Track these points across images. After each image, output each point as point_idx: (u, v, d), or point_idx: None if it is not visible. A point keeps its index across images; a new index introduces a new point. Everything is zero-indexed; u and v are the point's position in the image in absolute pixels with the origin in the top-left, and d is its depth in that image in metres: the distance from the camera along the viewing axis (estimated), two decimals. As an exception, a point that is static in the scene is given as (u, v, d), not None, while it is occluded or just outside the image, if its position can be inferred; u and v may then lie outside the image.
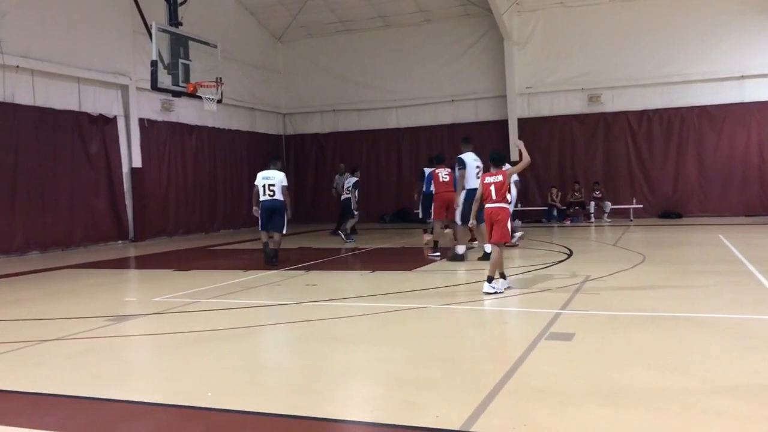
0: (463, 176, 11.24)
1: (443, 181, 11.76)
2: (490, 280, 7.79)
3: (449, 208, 11.61)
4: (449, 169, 11.84)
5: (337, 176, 18.60)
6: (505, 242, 8.09)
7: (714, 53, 19.36)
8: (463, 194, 11.19)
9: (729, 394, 4.10)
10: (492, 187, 8.00)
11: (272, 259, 11.25)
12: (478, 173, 11.01)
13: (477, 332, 6.10)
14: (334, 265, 11.29)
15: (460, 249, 11.14)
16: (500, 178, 8.04)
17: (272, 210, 11.29)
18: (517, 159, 18.54)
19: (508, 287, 7.97)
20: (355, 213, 15.83)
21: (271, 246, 11.43)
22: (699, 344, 5.35)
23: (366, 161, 23.20)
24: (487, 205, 8.04)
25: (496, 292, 7.69)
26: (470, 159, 11.42)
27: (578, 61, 20.63)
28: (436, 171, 11.95)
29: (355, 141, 23.57)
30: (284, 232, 11.48)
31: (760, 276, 8.46)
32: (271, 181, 11.30)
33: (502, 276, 8.00)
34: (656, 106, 20.14)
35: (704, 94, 19.67)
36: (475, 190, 9.43)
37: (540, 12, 20.96)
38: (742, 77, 19.22)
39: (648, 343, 5.45)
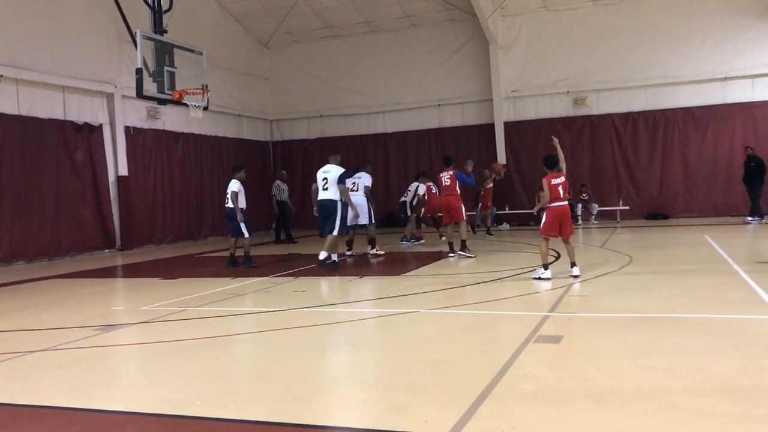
0: (346, 190, 11.39)
1: (445, 185, 12.25)
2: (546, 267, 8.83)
3: (450, 211, 12.24)
4: (451, 172, 12.19)
5: (278, 182, 18.08)
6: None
7: (697, 55, 19.55)
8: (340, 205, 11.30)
9: (717, 394, 4.13)
10: (560, 188, 8.83)
11: (330, 267, 11.10)
12: (324, 185, 11.37)
13: (466, 336, 6.11)
14: (322, 271, 11.26)
15: (323, 255, 11.21)
16: (563, 179, 8.96)
17: (324, 210, 11.25)
18: (499, 164, 18.73)
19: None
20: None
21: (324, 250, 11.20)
22: (686, 345, 5.38)
23: (353, 166, 23.12)
24: (556, 204, 8.87)
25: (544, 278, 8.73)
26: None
27: (563, 64, 20.76)
28: (440, 175, 12.37)
29: (342, 146, 23.44)
30: (335, 233, 11.15)
31: (745, 276, 8.53)
32: (326, 175, 11.24)
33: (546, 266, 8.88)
34: (641, 108, 20.30)
35: (688, 95, 19.85)
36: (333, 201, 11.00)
37: (524, 16, 21.08)
38: (726, 79, 19.42)
39: (635, 344, 5.48)
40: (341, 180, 11.14)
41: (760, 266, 9.39)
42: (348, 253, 13.42)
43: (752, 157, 17.20)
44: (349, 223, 12.04)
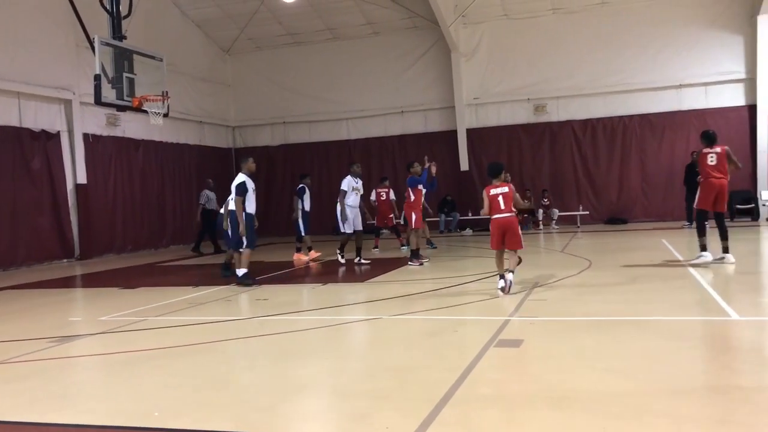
0: (240, 202, 10.30)
1: (383, 200, 13.11)
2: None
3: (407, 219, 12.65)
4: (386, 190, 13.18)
5: (206, 191, 17.35)
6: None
7: (654, 64, 20.03)
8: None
9: (673, 395, 4.22)
10: (500, 198, 8.26)
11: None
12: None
13: (428, 342, 6.14)
14: (285, 279, 11.21)
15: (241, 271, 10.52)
16: (506, 189, 8.33)
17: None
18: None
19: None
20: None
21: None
22: (643, 347, 5.49)
23: (317, 173, 23.17)
24: (497, 216, 8.29)
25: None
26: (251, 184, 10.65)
27: (524, 71, 21.06)
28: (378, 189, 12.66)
29: (305, 153, 23.52)
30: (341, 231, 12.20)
31: (700, 278, 8.75)
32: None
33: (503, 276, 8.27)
34: (600, 115, 20.71)
35: (645, 102, 20.33)
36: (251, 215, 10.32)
37: (486, 24, 21.34)
38: (680, 86, 19.92)
39: (594, 347, 5.57)
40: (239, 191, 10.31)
41: (713, 269, 9.63)
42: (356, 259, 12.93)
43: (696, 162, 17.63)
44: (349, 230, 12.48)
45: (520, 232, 8.39)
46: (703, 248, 10.02)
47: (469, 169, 21.45)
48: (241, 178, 10.50)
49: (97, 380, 5.58)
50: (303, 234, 14.07)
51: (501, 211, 8.24)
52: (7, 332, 7.59)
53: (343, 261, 12.89)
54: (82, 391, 5.19)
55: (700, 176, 10.25)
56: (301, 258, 14.16)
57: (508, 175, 15.32)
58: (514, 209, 8.33)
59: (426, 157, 12.68)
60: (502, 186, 8.34)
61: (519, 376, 4.83)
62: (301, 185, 14.32)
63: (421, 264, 11.95)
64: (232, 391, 4.89)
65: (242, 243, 10.31)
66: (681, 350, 5.32)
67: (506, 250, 8.38)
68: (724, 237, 10.13)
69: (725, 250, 10.07)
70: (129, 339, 6.92)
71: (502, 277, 8.20)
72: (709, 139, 10.34)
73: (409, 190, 12.43)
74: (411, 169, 12.58)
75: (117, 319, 8.04)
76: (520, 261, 8.80)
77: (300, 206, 13.99)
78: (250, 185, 10.52)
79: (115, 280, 12.65)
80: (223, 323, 7.63)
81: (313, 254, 14.11)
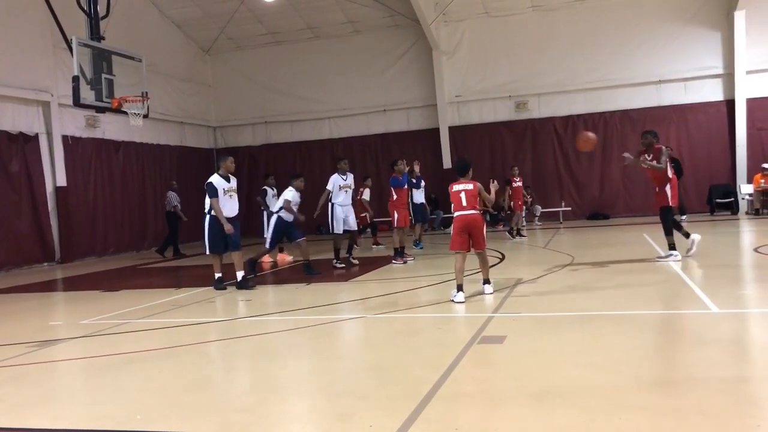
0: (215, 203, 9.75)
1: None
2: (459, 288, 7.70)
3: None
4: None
5: (170, 193, 17.23)
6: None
7: (633, 60, 20.20)
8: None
9: (654, 388, 4.26)
10: (462, 194, 7.87)
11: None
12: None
13: (411, 340, 6.15)
14: (269, 279, 11.17)
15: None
16: (470, 186, 7.94)
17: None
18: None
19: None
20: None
21: None
22: (624, 341, 5.53)
23: (300, 172, 23.10)
24: (459, 213, 7.87)
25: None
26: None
27: (505, 69, 21.15)
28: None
29: (287, 153, 23.47)
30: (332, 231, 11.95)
31: (680, 272, 8.84)
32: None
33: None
34: (581, 112, 20.86)
35: (625, 98, 20.51)
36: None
37: (466, 22, 21.40)
38: (660, 82, 20.11)
39: (576, 342, 5.61)
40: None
41: (693, 263, 9.73)
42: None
43: (672, 158, 17.86)
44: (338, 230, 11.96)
45: (485, 231, 7.99)
46: (673, 246, 10.16)
47: (452, 167, 21.47)
48: (211, 178, 9.94)
49: (79, 384, 5.53)
50: (265, 235, 13.71)
51: (463, 208, 7.84)
52: (-13, 337, 7.49)
53: (340, 266, 11.95)
54: (64, 395, 5.14)
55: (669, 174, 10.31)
56: (285, 258, 14.10)
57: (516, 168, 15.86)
58: (478, 207, 7.95)
59: (416, 162, 13.17)
60: (466, 183, 7.98)
61: (502, 373, 4.84)
62: (263, 186, 14.11)
63: (405, 262, 11.94)
64: (214, 393, 4.87)
65: (238, 245, 9.90)
66: (662, 343, 5.37)
67: (472, 252, 7.95)
68: (670, 233, 10.36)
69: (672, 246, 10.25)
70: (111, 342, 6.86)
71: (460, 288, 7.66)
72: (656, 136, 10.86)
73: (392, 189, 12.46)
74: (395, 168, 12.50)
75: (99, 323, 7.96)
76: (503, 257, 8.74)
77: (266, 207, 13.74)
78: (223, 185, 9.83)
79: (97, 283, 12.54)
80: (206, 325, 7.59)
81: (267, 259, 13.65)
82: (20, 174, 16.01)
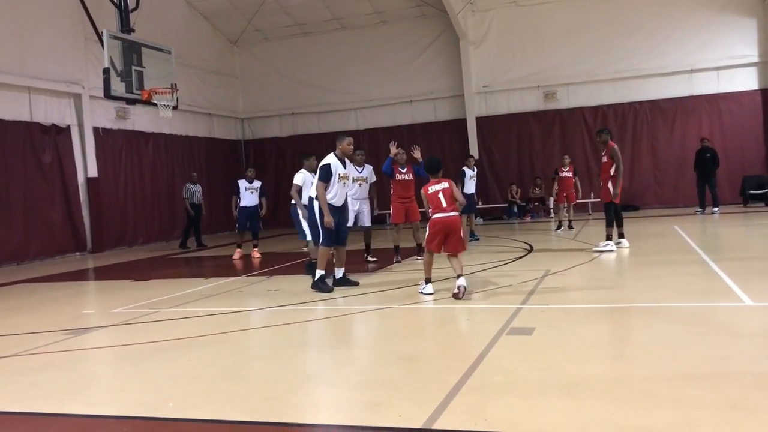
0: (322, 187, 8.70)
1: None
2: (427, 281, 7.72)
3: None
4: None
5: (189, 185, 16.93)
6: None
7: (665, 48, 19.84)
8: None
9: (684, 380, 4.20)
10: (440, 195, 7.53)
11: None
12: None
13: (439, 330, 6.15)
14: (295, 270, 11.24)
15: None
16: (446, 185, 7.61)
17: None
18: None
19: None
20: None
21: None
22: (654, 333, 5.47)
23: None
24: (438, 215, 7.53)
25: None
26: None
27: (533, 58, 20.93)
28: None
29: (314, 144, 23.41)
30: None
31: (713, 265, 8.69)
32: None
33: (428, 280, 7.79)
34: (610, 102, 20.57)
35: (656, 88, 20.16)
36: None
37: (494, 11, 21.21)
38: (692, 71, 19.74)
39: (606, 334, 5.57)
40: None
41: (726, 255, 9.57)
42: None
43: (708, 148, 17.61)
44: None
45: (462, 232, 7.63)
46: (610, 237, 10.76)
47: (479, 158, 21.35)
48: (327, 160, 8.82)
49: (111, 371, 5.62)
50: (237, 230, 13.84)
51: (443, 210, 7.47)
52: (22, 325, 7.66)
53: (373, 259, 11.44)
54: (96, 383, 5.23)
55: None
56: (254, 254, 13.67)
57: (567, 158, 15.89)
58: (458, 208, 7.60)
59: (393, 143, 11.26)
60: (441, 182, 7.61)
61: (531, 364, 4.82)
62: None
63: (398, 262, 11.05)
64: (244, 381, 4.92)
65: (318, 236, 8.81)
66: (693, 336, 5.30)
67: (447, 256, 7.65)
68: (621, 224, 11.12)
69: (621, 235, 10.99)
70: (142, 330, 6.96)
71: (428, 281, 7.70)
72: (611, 134, 11.28)
73: (390, 181, 11.31)
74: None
75: (130, 311, 8.09)
76: (531, 248, 8.51)
77: (237, 201, 13.55)
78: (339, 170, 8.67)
79: (128, 272, 12.73)
80: (235, 314, 7.66)
81: (239, 253, 13.49)
82: (53, 165, 16.29)
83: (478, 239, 13.91)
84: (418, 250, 11.10)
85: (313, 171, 10.04)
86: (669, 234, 13.02)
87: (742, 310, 6.18)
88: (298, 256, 13.35)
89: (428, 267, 7.83)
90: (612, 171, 10.64)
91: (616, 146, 10.84)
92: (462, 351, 5.22)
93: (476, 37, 21.43)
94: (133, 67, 12.74)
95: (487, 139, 21.56)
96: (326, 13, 22.07)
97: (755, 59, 19.28)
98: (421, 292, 7.76)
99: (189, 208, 16.73)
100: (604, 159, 10.88)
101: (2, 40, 14.94)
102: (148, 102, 13.10)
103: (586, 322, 6.04)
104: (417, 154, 10.91)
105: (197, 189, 16.96)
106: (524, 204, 20.75)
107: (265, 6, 21.34)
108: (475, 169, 14.38)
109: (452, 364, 4.84)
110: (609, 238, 10.68)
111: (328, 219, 8.46)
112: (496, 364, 4.81)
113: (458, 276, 7.46)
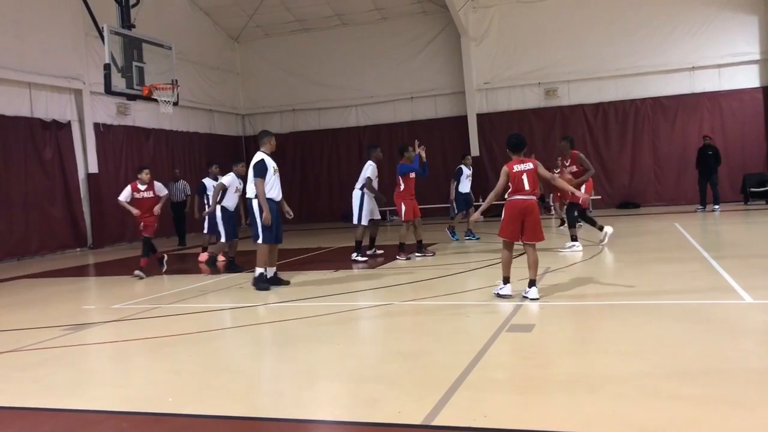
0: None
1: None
2: (531, 284, 6.96)
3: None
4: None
5: (177, 182, 16.62)
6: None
7: (666, 45, 19.81)
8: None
9: (684, 377, 4.20)
10: (524, 176, 6.94)
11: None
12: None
13: (439, 327, 6.14)
14: (297, 266, 11.24)
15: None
16: (531, 165, 7.00)
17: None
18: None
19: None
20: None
21: None
22: (654, 330, 5.47)
23: (327, 160, 23.33)
24: (517, 197, 6.97)
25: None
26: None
27: (534, 55, 20.90)
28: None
29: (315, 140, 23.53)
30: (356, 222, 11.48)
31: (713, 262, 8.69)
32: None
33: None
34: (611, 99, 20.53)
35: (657, 85, 20.12)
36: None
37: (495, 8, 21.18)
38: (693, 68, 19.70)
39: (605, 330, 5.56)
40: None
41: (727, 252, 9.57)
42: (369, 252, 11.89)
43: (710, 146, 17.58)
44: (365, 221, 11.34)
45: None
46: (575, 238, 10.87)
47: (479, 155, 21.34)
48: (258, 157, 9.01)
49: (111, 367, 5.63)
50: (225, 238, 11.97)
51: (524, 192, 6.88)
52: (22, 321, 7.67)
53: (363, 260, 11.29)
54: (96, 378, 5.24)
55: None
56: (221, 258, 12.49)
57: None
58: (538, 192, 7.04)
59: (416, 142, 11.41)
60: (526, 162, 7.01)
61: (531, 361, 4.82)
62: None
63: (408, 258, 11.01)
64: (244, 377, 4.92)
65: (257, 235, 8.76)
66: (693, 333, 5.29)
67: (524, 243, 7.08)
68: (572, 226, 11.14)
69: (574, 237, 10.95)
70: (142, 326, 6.97)
71: (507, 281, 7.09)
72: (572, 142, 11.50)
73: (399, 178, 11.30)
74: (405, 154, 11.32)
75: (130, 307, 8.10)
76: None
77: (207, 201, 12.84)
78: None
79: (128, 268, 12.70)
80: (235, 310, 7.67)
81: (204, 257, 12.74)
82: (53, 161, 16.29)
83: (478, 239, 13.91)
84: (419, 247, 11.43)
85: (240, 176, 10.56)
86: (670, 231, 13.01)
87: (742, 308, 6.18)
88: (297, 252, 13.35)
89: (507, 264, 7.10)
90: (585, 176, 10.87)
91: (581, 153, 11.09)
92: (462, 347, 5.21)
93: (477, 33, 21.39)
94: (134, 63, 12.71)
95: (487, 136, 21.53)
96: (327, 9, 22.05)
97: (757, 57, 19.24)
98: (498, 294, 7.08)
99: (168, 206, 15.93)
100: (573, 168, 10.86)
101: (3, 36, 14.93)
102: (148, 98, 13.07)
103: (585, 319, 6.04)
104: (423, 154, 11.22)
105: (180, 186, 16.44)
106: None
107: (266, 2, 21.32)
108: (471, 168, 14.51)
109: (452, 360, 4.84)
110: (574, 238, 10.81)
111: (267, 215, 8.53)
112: (496, 361, 4.81)
113: (530, 283, 6.88)
